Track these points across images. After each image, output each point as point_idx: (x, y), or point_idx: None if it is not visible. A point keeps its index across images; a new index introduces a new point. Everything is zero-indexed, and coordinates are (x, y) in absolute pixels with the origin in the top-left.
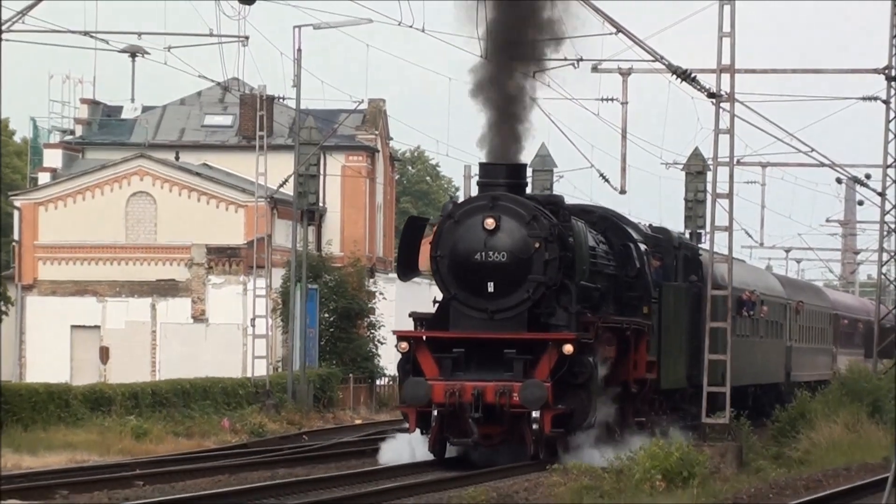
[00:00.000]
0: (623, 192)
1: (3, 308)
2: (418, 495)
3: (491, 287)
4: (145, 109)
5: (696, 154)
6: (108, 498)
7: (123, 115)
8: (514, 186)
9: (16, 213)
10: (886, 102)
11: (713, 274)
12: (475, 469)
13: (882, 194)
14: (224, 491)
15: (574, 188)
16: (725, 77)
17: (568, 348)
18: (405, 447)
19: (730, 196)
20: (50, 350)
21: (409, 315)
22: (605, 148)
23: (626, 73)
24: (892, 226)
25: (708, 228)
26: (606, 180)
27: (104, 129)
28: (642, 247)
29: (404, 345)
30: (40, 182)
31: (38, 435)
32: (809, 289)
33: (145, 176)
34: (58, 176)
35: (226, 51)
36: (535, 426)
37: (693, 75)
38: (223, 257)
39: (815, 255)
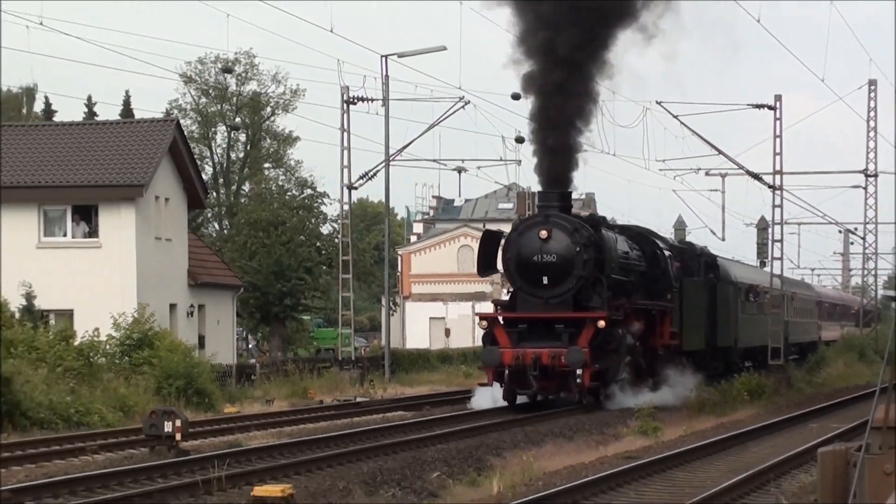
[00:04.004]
0: (723, 239)
1: (394, 308)
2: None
3: (545, 280)
4: (467, 201)
5: (762, 218)
6: (451, 408)
7: (455, 204)
8: (563, 208)
9: (399, 258)
10: (865, 188)
11: (726, 272)
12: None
13: (863, 238)
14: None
15: (697, 239)
16: (778, 177)
17: (601, 323)
18: (488, 396)
19: (781, 241)
20: (419, 330)
21: (491, 301)
22: (713, 214)
23: (724, 175)
24: (869, 255)
25: (768, 258)
26: (713, 233)
27: (445, 211)
28: (667, 253)
29: (484, 323)
30: (412, 241)
31: (413, 376)
32: (802, 284)
33: (467, 236)
34: (421, 237)
35: (509, 168)
36: (578, 380)
37: (760, 175)
38: None
39: (827, 272)
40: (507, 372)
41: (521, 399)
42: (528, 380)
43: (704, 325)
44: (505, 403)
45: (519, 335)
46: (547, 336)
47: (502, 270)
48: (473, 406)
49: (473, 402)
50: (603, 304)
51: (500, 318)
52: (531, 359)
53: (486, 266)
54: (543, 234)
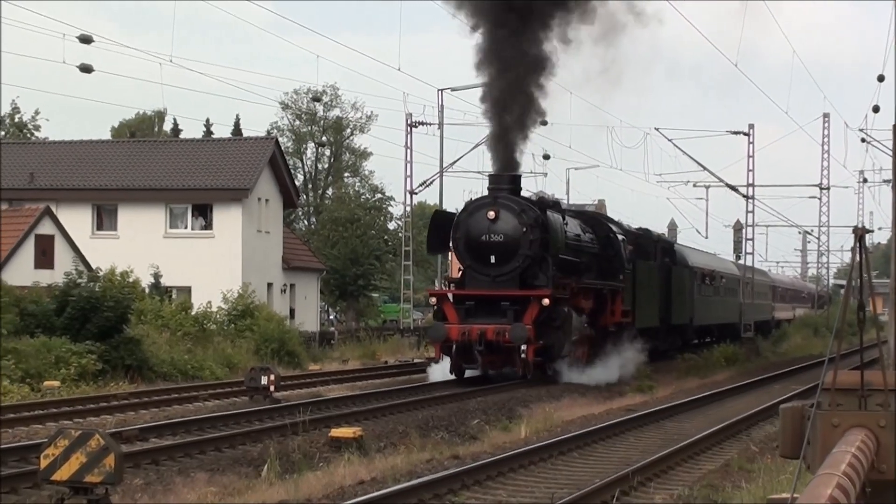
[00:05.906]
0: (706, 238)
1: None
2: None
3: (493, 259)
4: None
5: (738, 221)
6: None
7: None
8: (512, 190)
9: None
10: (819, 199)
11: (683, 257)
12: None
13: (818, 238)
14: None
15: (685, 237)
16: (751, 188)
17: (545, 301)
18: (441, 370)
19: (752, 239)
20: None
21: (443, 278)
22: (699, 218)
23: (708, 187)
24: (823, 251)
25: (742, 253)
26: (699, 232)
27: None
28: (620, 237)
29: (433, 299)
30: None
31: None
32: (758, 272)
33: None
34: None
35: (538, 179)
36: (522, 356)
37: (737, 187)
38: None
39: (789, 265)
40: (454, 347)
41: (470, 373)
42: (473, 354)
43: (658, 305)
44: (452, 376)
45: (466, 311)
46: (493, 313)
47: (452, 249)
48: (430, 378)
49: (430, 375)
50: (548, 283)
51: (450, 296)
52: (477, 334)
53: (436, 245)
54: (492, 214)
